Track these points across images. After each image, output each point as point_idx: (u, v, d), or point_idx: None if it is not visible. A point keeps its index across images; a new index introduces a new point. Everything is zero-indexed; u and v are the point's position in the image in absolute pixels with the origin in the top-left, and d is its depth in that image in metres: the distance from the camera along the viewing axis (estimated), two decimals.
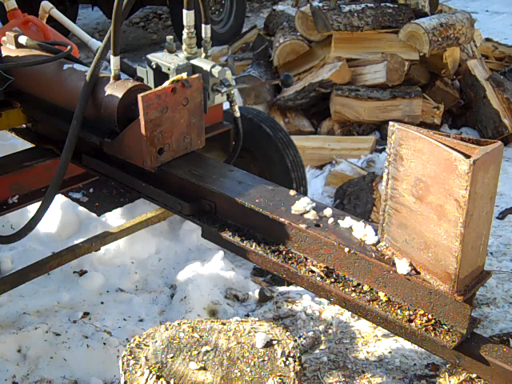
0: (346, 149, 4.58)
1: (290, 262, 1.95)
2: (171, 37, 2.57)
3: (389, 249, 1.76)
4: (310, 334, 2.85)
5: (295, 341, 1.70)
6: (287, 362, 1.61)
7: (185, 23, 2.47)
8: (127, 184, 2.45)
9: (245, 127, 2.83)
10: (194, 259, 3.45)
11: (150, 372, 1.55)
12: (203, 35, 2.57)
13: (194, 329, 1.73)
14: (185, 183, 2.22)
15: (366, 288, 1.82)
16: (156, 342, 1.68)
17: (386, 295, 1.78)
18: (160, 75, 2.47)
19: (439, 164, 1.53)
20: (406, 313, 1.73)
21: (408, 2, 5.18)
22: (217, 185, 2.15)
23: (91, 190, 3.79)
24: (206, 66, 2.47)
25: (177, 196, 2.24)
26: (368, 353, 2.76)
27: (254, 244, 2.03)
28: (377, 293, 1.80)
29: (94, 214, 3.67)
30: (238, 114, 2.72)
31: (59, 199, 3.64)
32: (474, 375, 1.75)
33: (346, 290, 1.83)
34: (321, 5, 4.87)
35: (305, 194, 3.37)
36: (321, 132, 4.92)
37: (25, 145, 3.00)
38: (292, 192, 2.08)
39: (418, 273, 1.69)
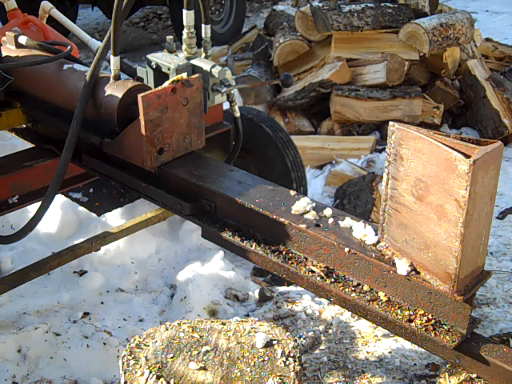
0: (345, 149, 4.58)
1: (290, 262, 1.95)
2: (171, 37, 2.56)
3: (389, 249, 1.76)
4: (310, 334, 2.85)
5: (295, 341, 1.70)
6: (287, 362, 1.61)
7: (185, 23, 2.47)
8: (127, 184, 2.44)
9: (245, 127, 2.83)
10: (194, 259, 3.45)
11: (150, 372, 1.55)
12: (203, 35, 2.57)
13: (194, 329, 1.73)
14: (185, 183, 2.22)
15: (366, 288, 1.82)
16: (156, 341, 1.68)
17: (386, 295, 1.78)
18: (160, 75, 2.47)
19: (439, 164, 1.53)
20: (406, 313, 1.73)
21: (408, 2, 5.18)
22: (217, 185, 2.15)
23: (91, 190, 3.79)
24: (206, 66, 2.47)
25: (177, 196, 2.24)
26: (368, 353, 2.76)
27: (254, 244, 2.03)
28: (377, 293, 1.80)
29: (94, 214, 3.67)
30: (238, 114, 2.72)
31: (59, 199, 3.64)
32: (474, 375, 1.75)
33: (346, 289, 1.83)
34: (321, 5, 4.86)
35: (305, 194, 3.37)
36: (321, 132, 4.92)
37: (25, 145, 3.00)
38: (292, 192, 2.08)
39: (418, 273, 1.69)
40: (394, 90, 4.77)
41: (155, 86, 2.46)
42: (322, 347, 2.81)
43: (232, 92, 2.59)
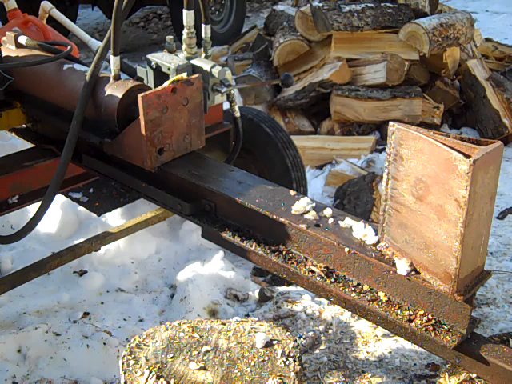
0: (345, 149, 4.58)
1: (290, 262, 1.95)
2: (171, 37, 2.56)
3: (389, 249, 1.76)
4: (310, 334, 2.85)
5: (295, 341, 1.70)
6: (287, 362, 1.61)
7: (185, 23, 2.47)
8: (127, 184, 2.44)
9: (245, 127, 2.83)
10: (194, 259, 3.45)
11: (150, 372, 1.55)
12: (203, 35, 2.57)
13: (194, 329, 1.73)
14: (185, 183, 2.22)
15: (366, 288, 1.82)
16: (156, 341, 1.68)
17: (386, 295, 1.78)
18: (160, 75, 2.47)
19: (439, 164, 1.53)
20: (406, 313, 1.73)
21: (408, 2, 5.18)
22: (217, 185, 2.15)
23: (91, 190, 3.79)
24: (206, 66, 2.47)
25: (177, 196, 2.24)
26: (368, 353, 2.76)
27: (254, 244, 2.03)
28: (377, 293, 1.80)
29: (94, 214, 3.67)
30: (238, 114, 2.72)
31: (59, 199, 3.64)
32: (474, 375, 1.75)
33: (346, 289, 1.83)
34: (321, 5, 4.86)
35: (305, 194, 3.36)
36: (321, 132, 4.92)
37: (25, 145, 3.00)
38: (292, 192, 2.08)
39: (418, 273, 1.69)
40: (394, 90, 4.77)
41: (155, 86, 2.46)
42: (322, 347, 2.81)
43: (232, 92, 2.59)
